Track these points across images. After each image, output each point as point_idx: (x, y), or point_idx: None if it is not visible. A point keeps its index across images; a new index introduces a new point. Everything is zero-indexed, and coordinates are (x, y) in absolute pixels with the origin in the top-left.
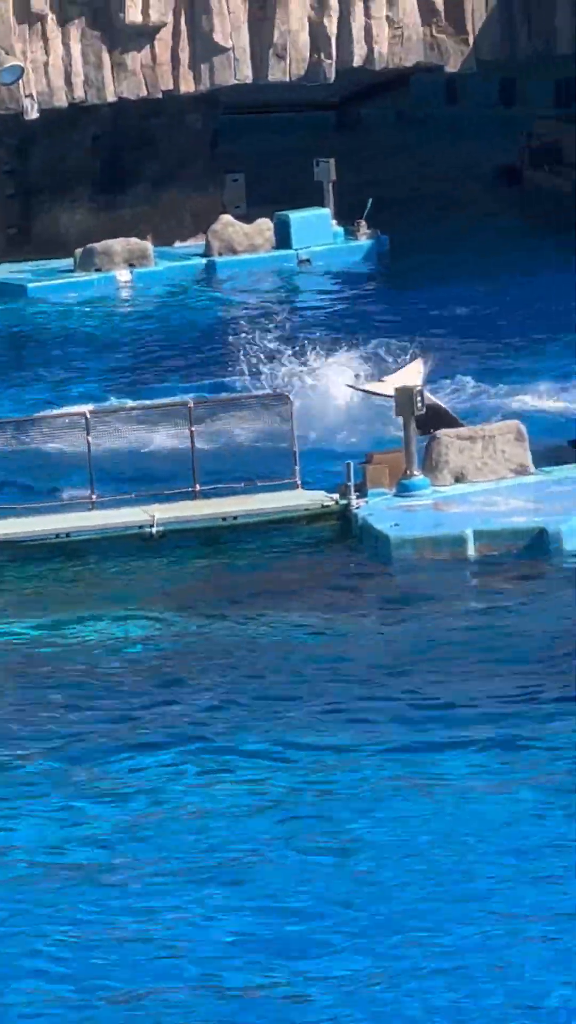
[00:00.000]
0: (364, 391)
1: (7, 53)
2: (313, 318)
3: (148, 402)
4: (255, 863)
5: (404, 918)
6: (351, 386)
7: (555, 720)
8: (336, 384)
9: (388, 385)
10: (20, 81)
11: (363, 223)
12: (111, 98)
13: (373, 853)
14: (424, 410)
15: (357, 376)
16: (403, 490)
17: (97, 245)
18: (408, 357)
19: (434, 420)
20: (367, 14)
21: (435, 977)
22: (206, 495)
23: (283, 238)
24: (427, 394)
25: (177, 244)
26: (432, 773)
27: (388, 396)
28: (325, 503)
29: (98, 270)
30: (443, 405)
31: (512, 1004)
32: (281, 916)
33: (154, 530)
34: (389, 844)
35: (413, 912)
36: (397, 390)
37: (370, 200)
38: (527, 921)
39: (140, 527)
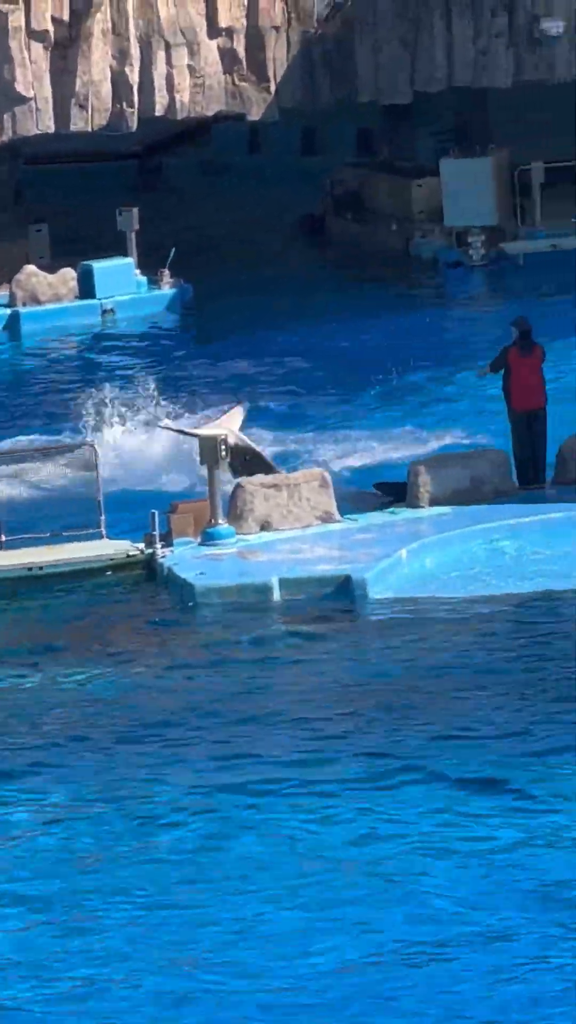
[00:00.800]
0: (177, 431)
1: None
2: (117, 367)
3: None
4: None
5: None
6: (164, 426)
7: (334, 764)
8: (145, 430)
9: (204, 429)
10: None
11: (166, 272)
12: None
13: None
14: (242, 456)
15: (168, 418)
16: (208, 539)
17: None
18: (228, 407)
19: (253, 466)
20: (169, 63)
21: None
22: (12, 545)
23: (87, 288)
24: (247, 440)
25: None
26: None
27: (195, 435)
28: (131, 552)
29: None
30: (260, 451)
31: None
32: None
33: None
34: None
35: None
36: (202, 438)
37: (173, 249)
38: None
39: None
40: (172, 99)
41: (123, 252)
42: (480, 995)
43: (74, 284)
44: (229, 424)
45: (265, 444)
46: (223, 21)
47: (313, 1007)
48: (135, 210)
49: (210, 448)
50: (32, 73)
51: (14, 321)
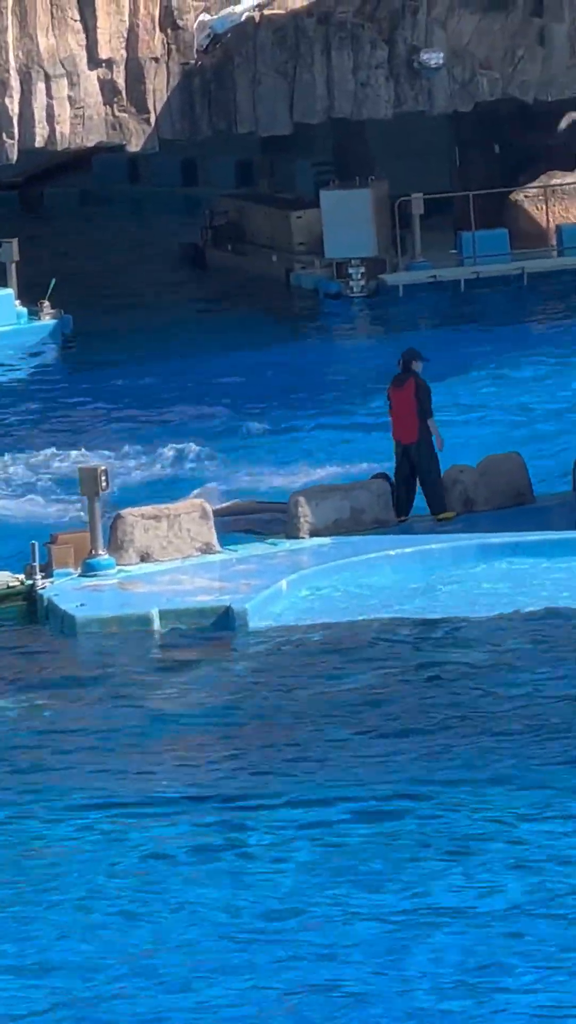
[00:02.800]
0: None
1: None
2: (5, 392)
3: None
4: None
5: None
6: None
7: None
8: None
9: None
10: None
11: (46, 303)
12: None
13: None
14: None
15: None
16: (88, 570)
17: None
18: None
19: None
20: (49, 94)
21: None
22: None
23: None
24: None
25: None
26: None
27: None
28: (11, 583)
29: None
30: (259, 503)
31: None
32: None
33: None
34: None
35: None
36: (82, 470)
37: (52, 280)
38: None
39: None
40: (52, 130)
41: (2, 283)
42: None
43: None
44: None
45: (135, 474)
46: (103, 52)
47: None
48: (15, 241)
49: (90, 479)
50: None
51: None
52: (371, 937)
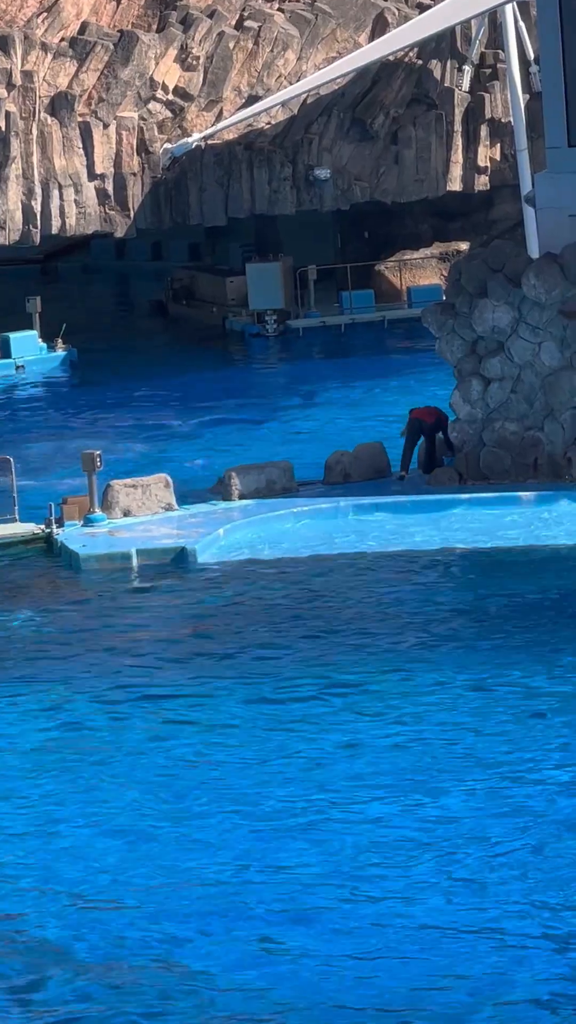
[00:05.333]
0: None
1: None
2: (27, 401)
3: None
4: None
5: None
6: None
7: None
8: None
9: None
10: None
11: (60, 340)
12: None
13: None
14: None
15: None
16: (88, 522)
17: None
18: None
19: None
20: (61, 197)
21: None
22: None
23: (5, 351)
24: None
25: None
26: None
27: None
28: (35, 532)
29: None
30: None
31: None
32: None
33: None
34: None
35: None
36: (83, 454)
37: (64, 325)
38: None
39: None
40: (63, 222)
41: (30, 327)
42: None
43: None
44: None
45: (131, 455)
46: (98, 169)
47: None
48: (38, 298)
49: (89, 460)
50: None
51: None
52: None
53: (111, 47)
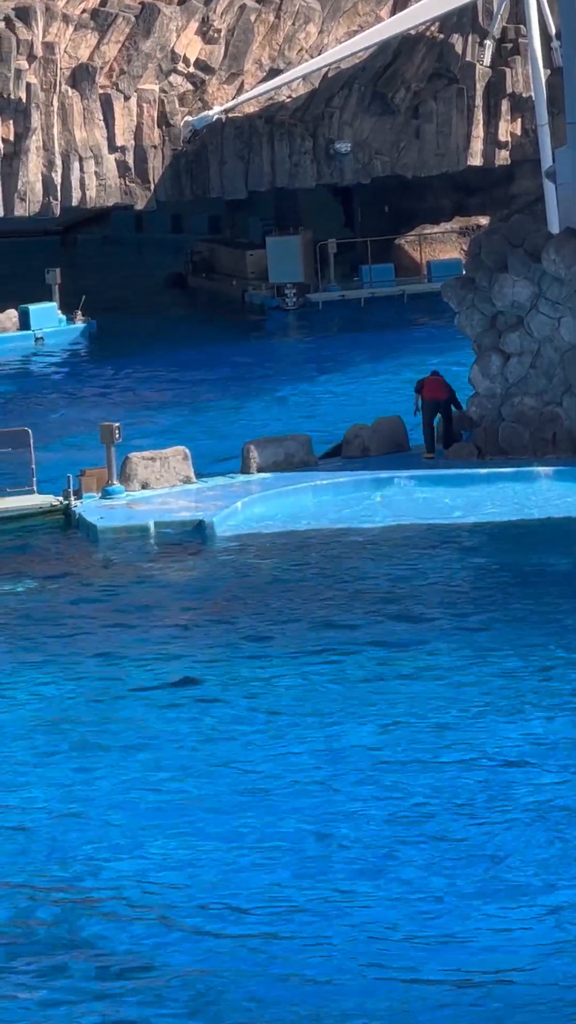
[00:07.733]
0: None
1: None
2: (47, 372)
3: None
4: None
5: None
6: None
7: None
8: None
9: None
10: None
11: (79, 312)
12: None
13: None
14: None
15: None
16: (106, 494)
17: None
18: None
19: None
20: (82, 169)
21: None
22: None
23: (25, 322)
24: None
25: None
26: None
27: None
28: (53, 503)
29: None
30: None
31: None
32: None
33: None
34: None
35: None
36: (102, 425)
37: (83, 297)
38: None
39: None
40: (84, 194)
41: (49, 298)
42: None
43: (16, 320)
44: None
45: (152, 429)
46: (119, 141)
47: None
48: (57, 270)
49: (108, 432)
50: None
51: None
52: None
53: (132, 19)
